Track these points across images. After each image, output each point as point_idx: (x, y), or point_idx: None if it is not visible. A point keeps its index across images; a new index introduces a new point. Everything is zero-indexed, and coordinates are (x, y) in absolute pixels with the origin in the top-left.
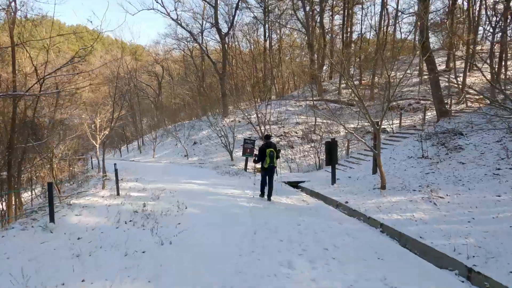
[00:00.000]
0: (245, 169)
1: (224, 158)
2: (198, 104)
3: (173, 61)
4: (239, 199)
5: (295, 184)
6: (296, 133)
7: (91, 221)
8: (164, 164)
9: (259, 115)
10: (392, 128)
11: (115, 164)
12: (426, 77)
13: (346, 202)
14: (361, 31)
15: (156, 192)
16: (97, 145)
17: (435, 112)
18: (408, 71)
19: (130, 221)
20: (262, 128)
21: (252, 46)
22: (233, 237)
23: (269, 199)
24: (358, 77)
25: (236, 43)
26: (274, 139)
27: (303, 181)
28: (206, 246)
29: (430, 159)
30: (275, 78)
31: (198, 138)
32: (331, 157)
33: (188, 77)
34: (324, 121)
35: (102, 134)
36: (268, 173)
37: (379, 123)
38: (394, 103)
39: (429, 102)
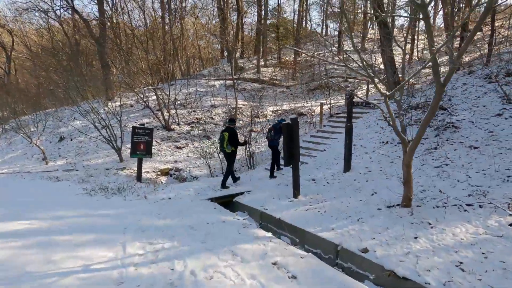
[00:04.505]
0: (139, 178)
1: (109, 159)
2: (69, 85)
3: (37, 29)
4: None
5: (229, 200)
6: (213, 118)
7: None
8: None
9: (160, 97)
10: (330, 109)
11: None
12: (348, 51)
13: (365, 251)
14: (278, 2)
15: None
16: None
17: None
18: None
19: None
20: (165, 113)
21: (147, 17)
22: None
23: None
24: (275, 55)
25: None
26: (184, 128)
27: (242, 192)
28: None
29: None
30: (178, 50)
31: (67, 132)
32: (293, 150)
33: (56, 50)
34: (246, 103)
35: None
36: (225, 158)
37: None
38: (321, 82)
39: (357, 80)
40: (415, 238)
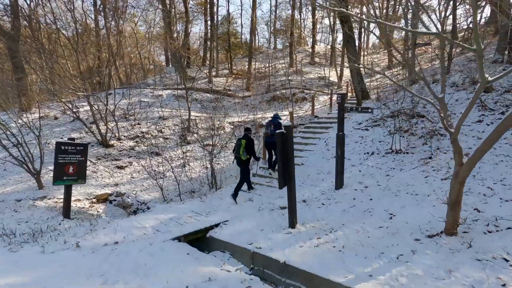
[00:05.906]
0: (66, 213)
1: (23, 187)
2: None
3: None
4: None
5: (203, 236)
6: (162, 131)
7: None
8: None
9: (94, 107)
10: (292, 120)
11: None
12: (304, 63)
13: None
14: (228, 11)
15: None
16: None
17: (350, 94)
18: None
19: None
20: (102, 126)
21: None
22: None
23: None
24: (227, 65)
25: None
26: (126, 143)
27: (217, 224)
28: None
29: (407, 153)
30: (116, 55)
31: None
32: (287, 167)
33: None
34: (200, 114)
35: None
36: (238, 165)
37: None
38: (278, 92)
39: (313, 92)
40: (503, 285)
